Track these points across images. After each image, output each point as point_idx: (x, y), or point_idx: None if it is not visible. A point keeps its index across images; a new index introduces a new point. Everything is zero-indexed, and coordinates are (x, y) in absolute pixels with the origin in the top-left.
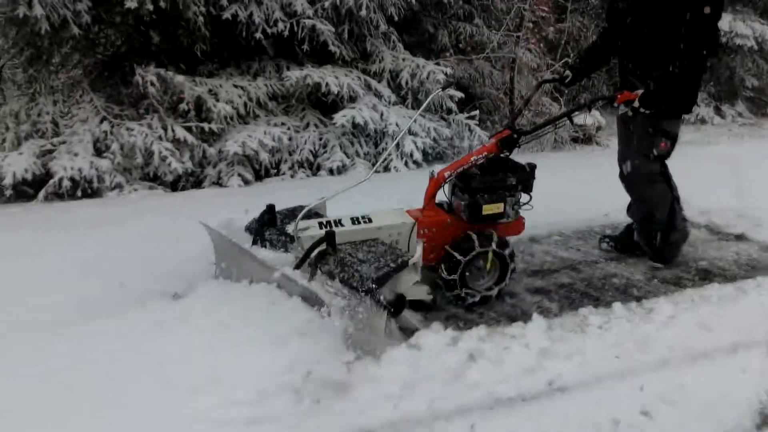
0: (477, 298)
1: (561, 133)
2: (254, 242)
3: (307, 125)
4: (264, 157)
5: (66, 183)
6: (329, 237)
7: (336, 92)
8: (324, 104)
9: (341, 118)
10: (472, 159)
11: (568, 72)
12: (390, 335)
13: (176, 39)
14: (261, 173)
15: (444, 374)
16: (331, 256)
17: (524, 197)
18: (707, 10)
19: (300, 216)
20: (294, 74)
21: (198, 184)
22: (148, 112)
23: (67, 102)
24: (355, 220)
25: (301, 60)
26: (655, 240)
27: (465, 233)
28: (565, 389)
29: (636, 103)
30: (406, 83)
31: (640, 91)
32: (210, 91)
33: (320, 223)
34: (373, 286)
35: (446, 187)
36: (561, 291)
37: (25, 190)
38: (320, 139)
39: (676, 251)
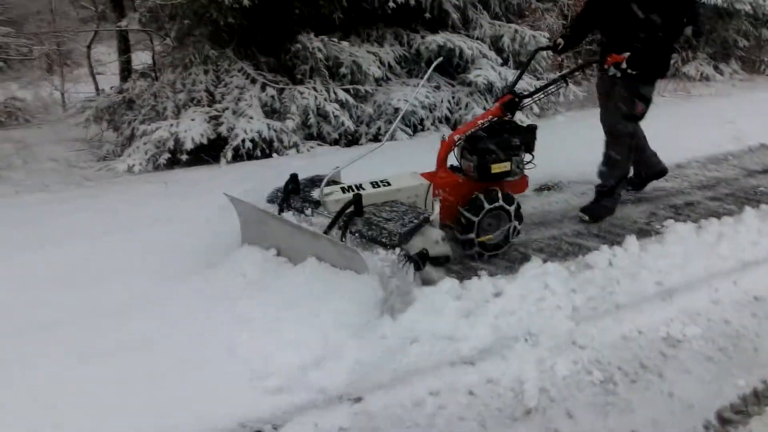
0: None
1: None
2: (281, 210)
3: (438, 86)
4: (421, 113)
5: (248, 144)
6: (357, 199)
7: (469, 55)
8: (441, 66)
9: (476, 77)
10: (479, 123)
11: (560, 40)
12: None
13: (319, 8)
14: (411, 128)
15: (704, 249)
16: (359, 217)
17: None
18: None
19: (324, 182)
20: (437, 39)
21: (355, 141)
22: (306, 76)
23: (216, 71)
24: (375, 184)
25: (415, 27)
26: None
27: (489, 188)
28: None
29: (624, 65)
30: (508, 47)
31: (627, 54)
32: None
33: (342, 188)
34: (401, 241)
35: (456, 150)
36: (729, 198)
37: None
38: (453, 97)
39: (603, 213)
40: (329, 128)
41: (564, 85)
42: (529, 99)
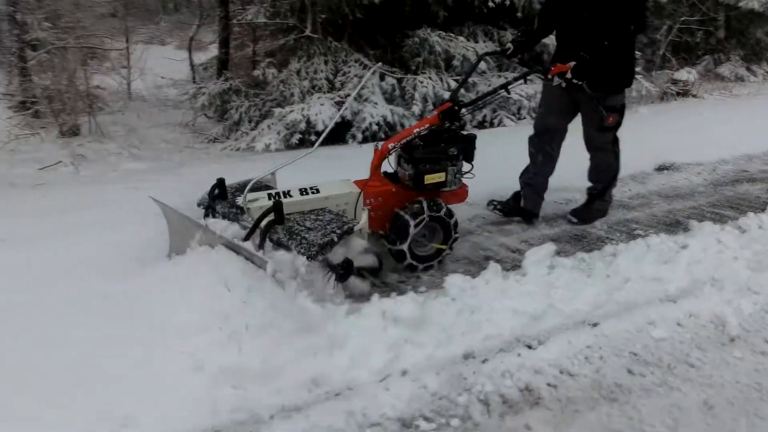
0: (421, 266)
1: (663, 87)
2: (206, 215)
3: (531, 79)
4: (525, 103)
5: (374, 128)
6: (277, 207)
7: None
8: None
9: None
10: (415, 131)
11: (509, 45)
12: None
13: (428, 7)
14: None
15: None
16: (280, 226)
17: (466, 166)
18: None
19: (248, 188)
20: None
21: (460, 127)
22: (419, 68)
23: (335, 61)
24: (303, 191)
25: (502, 25)
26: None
27: (416, 199)
28: None
29: (568, 74)
30: None
31: (572, 63)
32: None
33: (269, 195)
34: (318, 251)
35: (392, 157)
36: None
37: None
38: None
39: (593, 217)
40: None
41: (506, 93)
42: (469, 107)
